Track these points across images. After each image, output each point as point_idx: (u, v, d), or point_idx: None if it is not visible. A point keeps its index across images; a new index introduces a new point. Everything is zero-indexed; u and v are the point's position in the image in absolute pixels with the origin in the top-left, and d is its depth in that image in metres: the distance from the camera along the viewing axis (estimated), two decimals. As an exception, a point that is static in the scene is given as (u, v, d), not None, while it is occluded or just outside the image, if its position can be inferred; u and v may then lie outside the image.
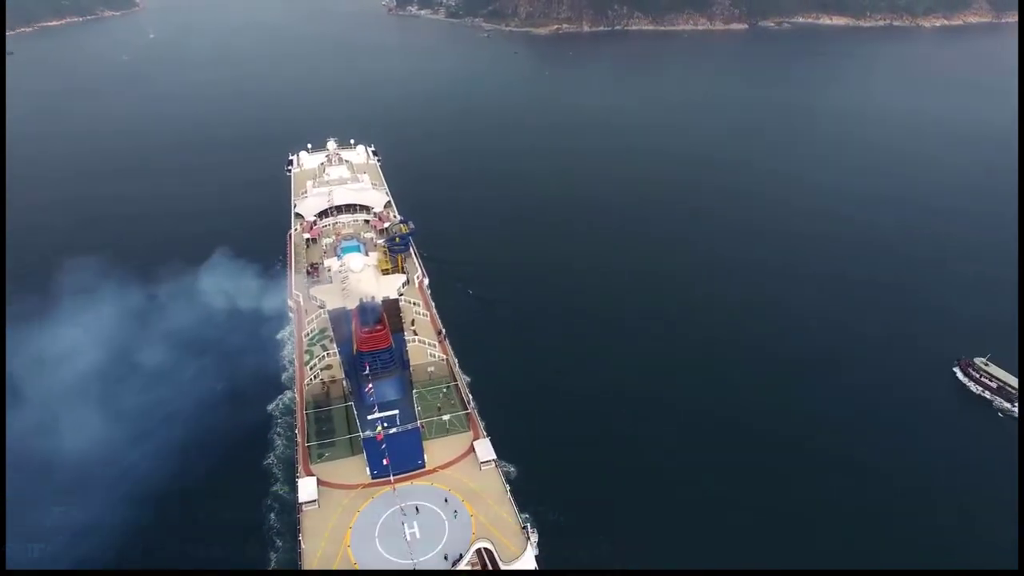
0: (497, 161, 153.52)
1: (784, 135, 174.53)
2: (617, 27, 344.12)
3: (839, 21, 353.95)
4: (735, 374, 77.80)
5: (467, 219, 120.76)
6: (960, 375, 78.68)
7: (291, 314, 70.54)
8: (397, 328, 63.47)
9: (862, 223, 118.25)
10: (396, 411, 52.97)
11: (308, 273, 76.96)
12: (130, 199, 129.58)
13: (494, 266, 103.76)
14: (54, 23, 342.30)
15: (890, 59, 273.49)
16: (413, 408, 54.15)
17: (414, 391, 56.60)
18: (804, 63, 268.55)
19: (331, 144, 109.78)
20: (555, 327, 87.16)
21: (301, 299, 70.36)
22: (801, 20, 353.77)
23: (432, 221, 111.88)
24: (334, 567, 42.37)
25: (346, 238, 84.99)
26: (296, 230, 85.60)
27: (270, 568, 53.64)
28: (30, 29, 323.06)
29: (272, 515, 57.39)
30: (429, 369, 59.72)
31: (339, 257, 78.31)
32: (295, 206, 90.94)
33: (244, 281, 69.64)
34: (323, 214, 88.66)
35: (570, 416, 70.34)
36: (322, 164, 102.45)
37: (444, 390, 57.59)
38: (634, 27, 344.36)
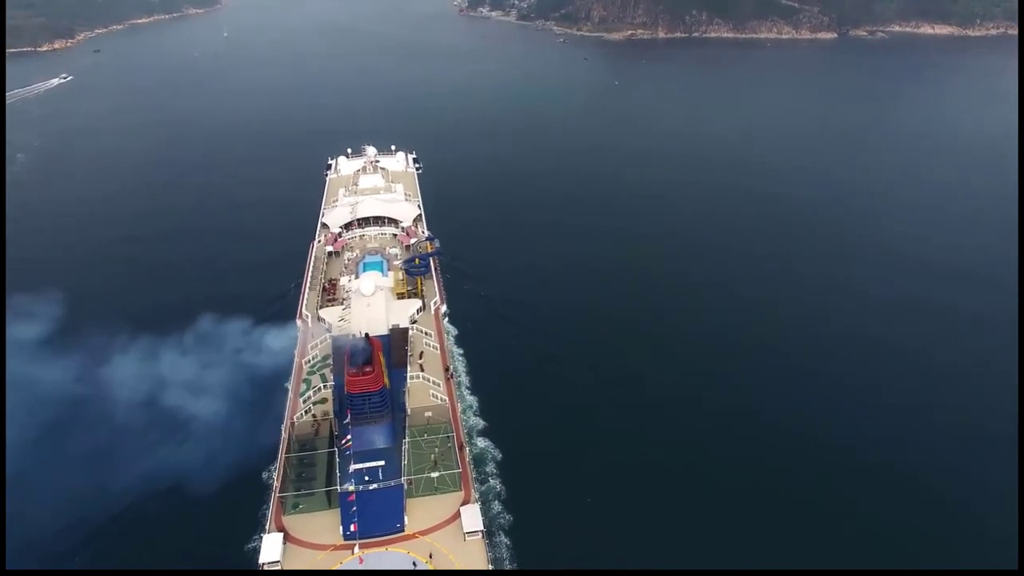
0: (547, 179, 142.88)
1: (884, 166, 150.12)
2: (695, 34, 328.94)
3: (942, 30, 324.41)
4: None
5: (506, 245, 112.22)
6: None
7: (298, 335, 66.50)
8: (400, 362, 58.56)
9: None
10: (382, 462, 47.74)
11: (324, 290, 73.05)
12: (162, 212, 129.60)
13: (531, 301, 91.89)
14: (143, 21, 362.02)
15: (1010, 74, 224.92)
16: (400, 461, 48.48)
17: (407, 440, 51.00)
18: (906, 78, 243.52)
19: (370, 150, 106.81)
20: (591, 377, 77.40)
21: (309, 320, 66.32)
22: (897, 29, 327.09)
23: (467, 242, 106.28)
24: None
25: (370, 252, 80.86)
26: (319, 242, 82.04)
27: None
28: (121, 27, 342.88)
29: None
30: (427, 414, 53.90)
31: (359, 274, 74.60)
32: (322, 215, 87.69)
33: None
34: (349, 225, 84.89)
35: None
36: (358, 171, 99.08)
37: (440, 441, 51.58)
38: (713, 34, 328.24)
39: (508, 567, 48.79)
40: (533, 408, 67.56)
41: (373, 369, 48.25)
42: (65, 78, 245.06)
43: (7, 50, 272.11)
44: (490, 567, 42.30)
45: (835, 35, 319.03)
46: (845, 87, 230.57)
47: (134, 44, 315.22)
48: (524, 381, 72.40)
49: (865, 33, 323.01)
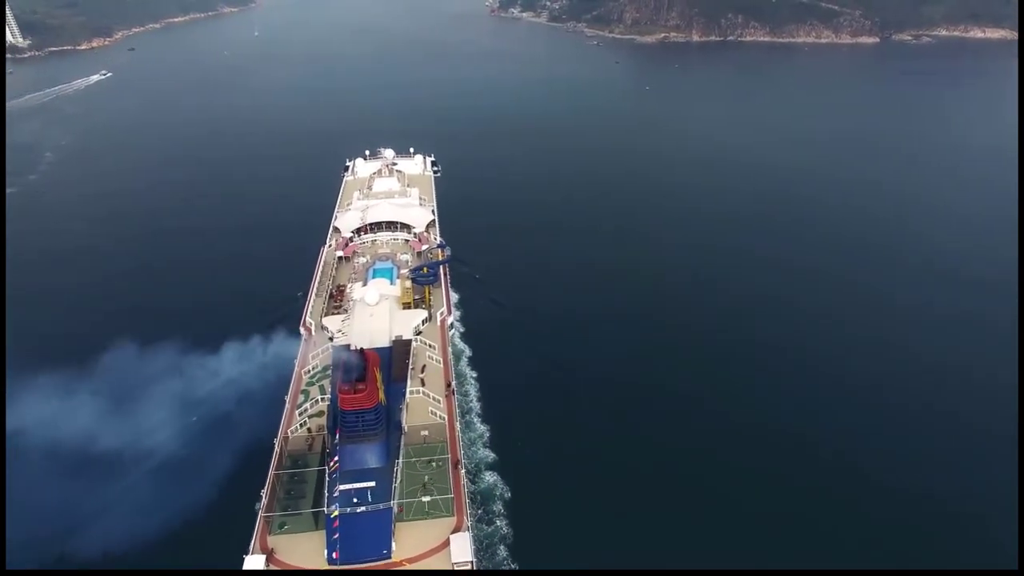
0: (570, 185, 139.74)
1: (931, 178, 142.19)
2: (729, 38, 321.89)
3: (994, 34, 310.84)
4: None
5: (524, 252, 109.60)
6: None
7: (300, 344, 64.96)
8: (401, 376, 56.61)
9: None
10: (372, 483, 45.68)
11: (332, 296, 71.53)
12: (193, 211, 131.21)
13: (550, 312, 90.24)
14: (179, 19, 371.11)
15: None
16: (392, 482, 46.28)
17: (401, 460, 48.79)
18: (954, 84, 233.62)
19: (388, 152, 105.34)
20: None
21: (313, 328, 64.76)
22: (944, 33, 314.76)
23: (483, 248, 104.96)
24: None
25: (381, 258, 79.17)
26: (330, 246, 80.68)
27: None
28: (158, 25, 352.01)
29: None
30: (423, 432, 51.58)
31: (368, 280, 72.94)
32: (335, 218, 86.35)
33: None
34: (361, 230, 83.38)
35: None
36: (374, 174, 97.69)
37: (436, 463, 49.24)
38: (748, 38, 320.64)
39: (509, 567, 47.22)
40: (549, 438, 65.00)
41: (366, 386, 46.13)
42: (105, 74, 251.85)
43: (48, 48, 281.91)
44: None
45: (877, 40, 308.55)
46: (888, 95, 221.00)
47: (168, 42, 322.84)
48: (540, 406, 69.79)
49: (910, 38, 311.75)
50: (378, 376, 48.80)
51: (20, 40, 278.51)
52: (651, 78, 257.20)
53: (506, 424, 65.88)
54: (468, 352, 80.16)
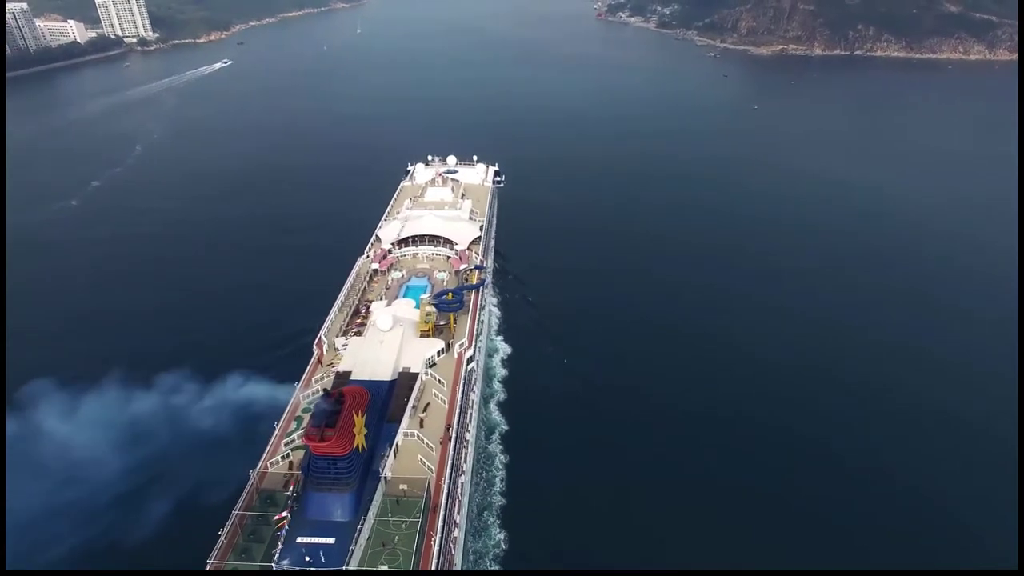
0: (650, 212, 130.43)
1: None
2: (857, 52, 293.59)
3: None
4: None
5: (580, 275, 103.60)
6: None
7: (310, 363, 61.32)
8: (397, 416, 51.46)
9: None
10: (332, 540, 40.87)
11: (355, 313, 67.86)
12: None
13: (601, 349, 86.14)
14: (294, 14, 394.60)
15: None
16: (351, 543, 40.89)
17: (372, 515, 43.49)
18: None
19: (450, 159, 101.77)
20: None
21: (324, 347, 61.11)
22: None
23: (538, 269, 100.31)
24: None
25: (418, 274, 74.85)
26: (367, 257, 77.27)
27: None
28: (273, 19, 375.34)
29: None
30: (402, 486, 45.94)
31: (400, 296, 68.82)
32: (379, 226, 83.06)
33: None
34: (403, 242, 79.50)
35: None
36: (428, 182, 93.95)
37: (407, 523, 43.47)
38: (880, 53, 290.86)
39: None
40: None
41: (336, 432, 41.22)
42: (227, 63, 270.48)
43: (172, 41, 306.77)
44: None
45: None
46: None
47: (275, 37, 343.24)
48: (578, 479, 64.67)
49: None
50: (358, 420, 43.83)
51: (149, 33, 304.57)
52: (761, 95, 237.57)
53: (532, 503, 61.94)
54: (501, 394, 76.62)
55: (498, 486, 65.29)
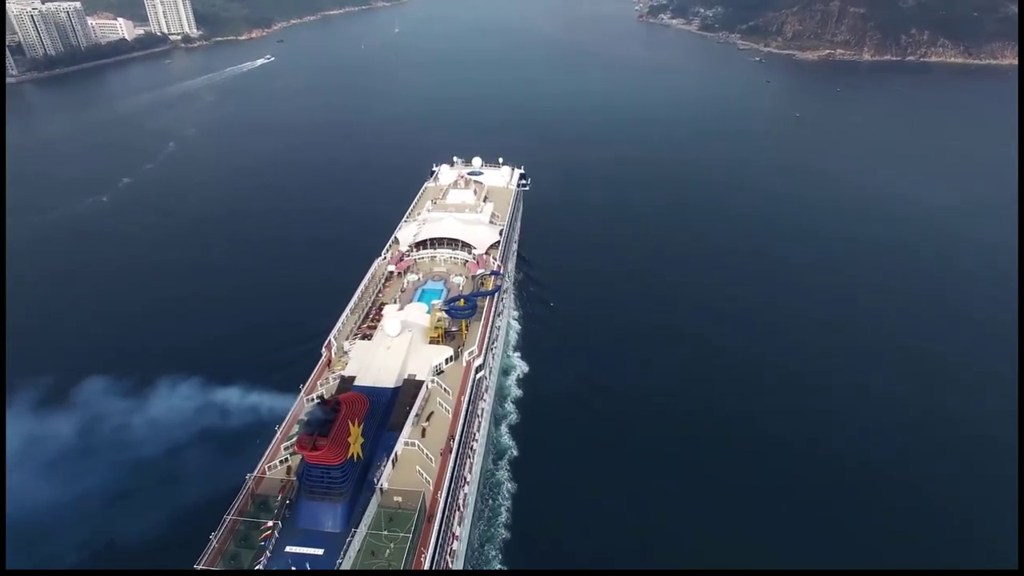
0: (676, 225, 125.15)
1: None
2: (910, 57, 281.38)
3: None
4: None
5: (602, 284, 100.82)
6: None
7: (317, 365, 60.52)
8: (399, 424, 50.24)
9: None
10: (321, 551, 39.89)
11: (368, 315, 67.00)
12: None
13: (623, 368, 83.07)
14: (334, 12, 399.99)
15: None
16: (338, 557, 39.76)
17: (365, 527, 42.29)
18: None
19: (476, 160, 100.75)
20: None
21: (334, 349, 60.35)
22: None
23: (561, 275, 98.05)
24: None
25: (434, 278, 73.72)
26: (383, 258, 76.50)
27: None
28: (314, 17, 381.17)
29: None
30: (396, 498, 44.63)
31: (415, 299, 67.81)
32: (399, 228, 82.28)
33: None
34: (422, 244, 78.51)
35: None
36: (450, 184, 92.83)
37: (399, 539, 42.10)
38: (934, 59, 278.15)
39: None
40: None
41: (328, 442, 40.11)
42: (269, 59, 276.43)
43: (215, 38, 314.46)
44: None
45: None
46: None
47: (315, 35, 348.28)
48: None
49: None
50: (354, 430, 42.69)
51: (193, 31, 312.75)
52: (805, 103, 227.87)
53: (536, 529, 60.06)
54: (514, 415, 74.90)
55: (503, 516, 62.55)
